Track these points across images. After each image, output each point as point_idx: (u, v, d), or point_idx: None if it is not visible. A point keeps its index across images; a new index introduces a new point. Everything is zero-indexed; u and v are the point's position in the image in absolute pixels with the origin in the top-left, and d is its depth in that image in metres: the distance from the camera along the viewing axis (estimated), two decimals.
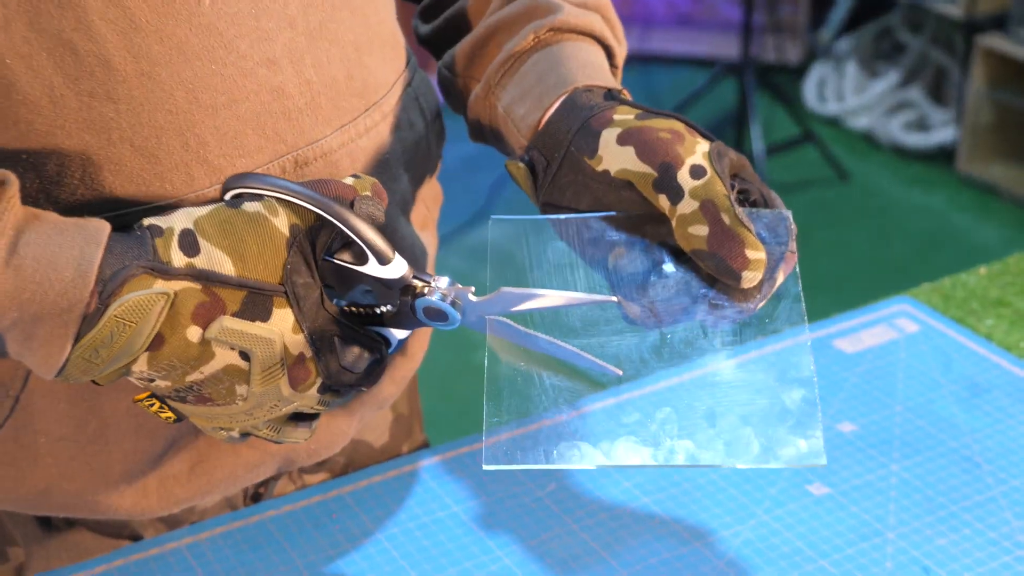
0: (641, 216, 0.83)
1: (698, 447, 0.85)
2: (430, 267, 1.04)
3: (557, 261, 0.86)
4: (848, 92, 4.02)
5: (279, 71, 0.83)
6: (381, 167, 0.90)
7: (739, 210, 0.79)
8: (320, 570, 0.92)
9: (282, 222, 0.76)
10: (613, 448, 0.85)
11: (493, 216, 0.86)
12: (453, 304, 0.80)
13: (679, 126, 0.83)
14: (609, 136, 0.83)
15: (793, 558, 0.93)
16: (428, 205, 1.04)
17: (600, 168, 0.83)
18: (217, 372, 0.76)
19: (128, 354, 0.74)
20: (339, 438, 0.97)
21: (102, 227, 0.73)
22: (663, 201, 0.80)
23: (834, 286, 3.14)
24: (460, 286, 0.81)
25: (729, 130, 3.85)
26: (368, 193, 0.79)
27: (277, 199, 0.77)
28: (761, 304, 0.82)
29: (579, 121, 0.84)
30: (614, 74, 0.96)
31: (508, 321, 0.82)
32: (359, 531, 0.96)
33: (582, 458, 0.84)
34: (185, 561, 0.93)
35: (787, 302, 0.85)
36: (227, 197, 0.79)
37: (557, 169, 0.85)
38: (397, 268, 0.79)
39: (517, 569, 0.92)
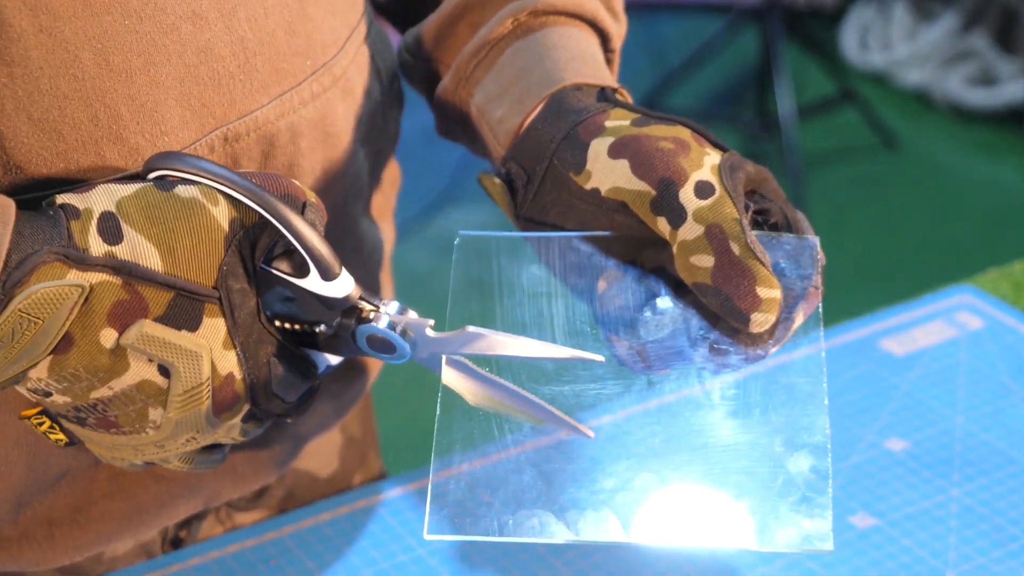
0: (637, 238, 0.83)
1: (680, 524, 0.86)
2: (386, 265, 1.05)
3: (533, 289, 0.87)
4: (896, 40, 4.04)
5: (206, 27, 0.83)
6: (330, 143, 0.91)
7: (752, 238, 0.79)
8: None
9: (221, 214, 0.77)
10: (580, 520, 0.87)
11: (461, 232, 0.87)
12: (403, 335, 0.81)
13: (684, 134, 0.83)
14: (599, 147, 0.83)
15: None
16: (385, 190, 1.04)
17: (588, 186, 0.83)
18: (129, 389, 0.76)
19: (30, 356, 0.74)
20: (269, 465, 0.98)
21: (7, 204, 0.74)
22: (662, 224, 0.81)
23: (882, 276, 3.15)
24: (414, 314, 0.82)
25: (750, 90, 3.87)
26: (313, 200, 0.80)
27: (214, 188, 0.77)
28: (773, 351, 0.82)
29: (564, 128, 0.85)
30: (610, 62, 0.96)
31: (467, 362, 0.83)
32: None
33: (541, 531, 0.85)
34: None
35: (805, 350, 0.86)
36: (148, 179, 0.79)
37: (539, 185, 0.86)
38: (343, 286, 0.80)
39: None
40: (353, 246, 0.97)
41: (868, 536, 1.00)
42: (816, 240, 0.84)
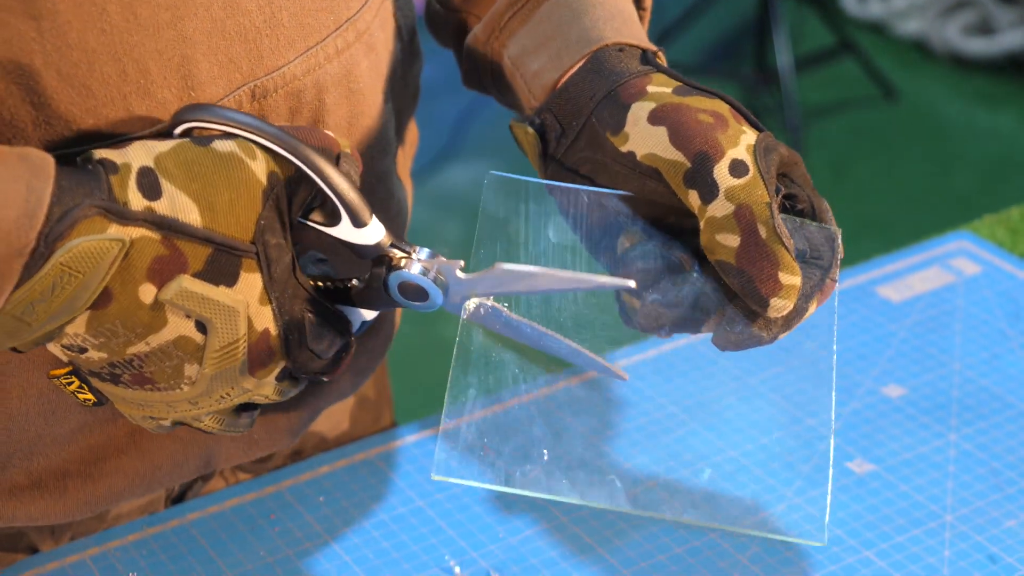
0: (665, 204, 0.84)
1: (681, 499, 0.87)
2: (408, 223, 1.05)
3: (559, 240, 0.87)
4: None
5: None
6: (355, 99, 0.91)
7: (779, 223, 0.80)
8: None
9: (259, 167, 0.77)
10: (586, 482, 0.87)
11: (491, 172, 0.86)
12: (435, 281, 0.81)
13: (723, 108, 0.83)
14: (640, 111, 0.83)
15: (831, 549, 0.94)
16: (406, 148, 1.04)
17: (624, 148, 0.83)
18: (166, 344, 0.77)
19: (68, 311, 0.74)
20: (284, 434, 0.98)
21: (46, 158, 0.73)
22: (693, 198, 0.81)
23: (881, 226, 3.15)
24: (444, 259, 0.82)
25: (748, 42, 3.86)
26: (348, 151, 0.80)
27: (250, 140, 0.78)
28: (781, 336, 0.82)
29: (605, 88, 0.85)
30: (641, 19, 0.96)
31: (497, 306, 0.83)
32: (303, 533, 0.97)
33: (547, 489, 0.86)
34: (89, 575, 0.94)
35: (815, 338, 0.86)
36: (176, 132, 0.79)
37: (573, 140, 0.86)
38: (374, 233, 0.80)
39: (495, 573, 0.93)
40: (381, 201, 0.97)
41: (866, 482, 1.00)
42: (839, 231, 0.84)
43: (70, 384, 0.80)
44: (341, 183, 0.78)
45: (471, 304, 0.82)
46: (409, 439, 1.06)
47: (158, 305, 0.75)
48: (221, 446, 0.96)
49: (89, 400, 0.80)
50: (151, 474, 0.93)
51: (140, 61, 0.79)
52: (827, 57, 3.74)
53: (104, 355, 0.77)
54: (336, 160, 0.79)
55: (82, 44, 0.78)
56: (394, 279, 0.81)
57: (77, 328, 0.75)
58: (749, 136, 0.82)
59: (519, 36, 0.92)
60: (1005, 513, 0.97)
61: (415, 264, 0.81)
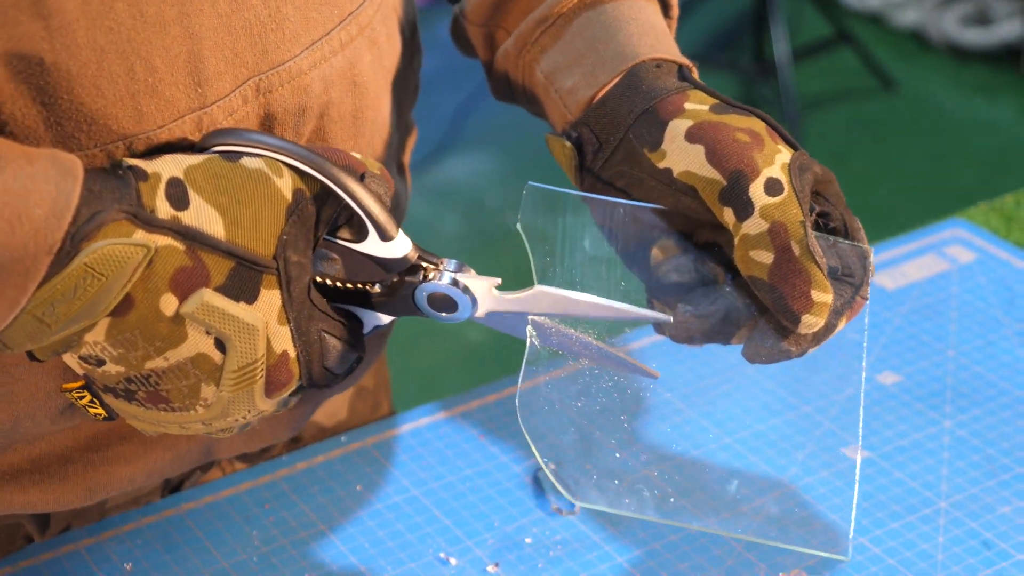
0: (699, 220, 0.85)
1: (705, 508, 0.88)
2: (406, 216, 1.05)
3: (595, 252, 0.88)
4: None
5: None
6: (358, 93, 0.91)
7: (813, 241, 0.81)
8: (251, 571, 0.93)
9: (285, 184, 0.78)
10: (613, 490, 0.88)
11: (530, 183, 0.88)
12: (465, 292, 0.82)
13: (759, 127, 0.84)
14: (677, 129, 0.84)
15: (827, 534, 0.94)
16: (405, 142, 1.04)
17: (662, 165, 0.84)
18: (184, 362, 0.77)
19: (89, 315, 0.74)
20: (286, 426, 0.98)
21: (74, 160, 0.74)
22: (728, 215, 0.83)
23: (879, 217, 3.13)
24: (474, 272, 0.83)
25: (746, 32, 3.85)
26: (377, 172, 0.82)
27: (277, 159, 0.79)
28: (810, 350, 0.84)
29: (643, 104, 0.86)
30: (670, 28, 0.96)
31: (547, 321, 0.84)
32: (298, 523, 0.97)
33: (575, 492, 0.90)
34: (84, 566, 0.94)
35: (845, 354, 0.87)
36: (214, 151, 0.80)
37: (610, 155, 0.87)
38: (401, 247, 0.81)
39: (489, 560, 0.93)
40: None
41: (861, 468, 0.99)
42: (871, 250, 0.86)
43: (82, 398, 0.80)
44: (366, 198, 0.79)
45: (531, 326, 0.85)
46: (406, 428, 1.06)
47: (178, 319, 0.75)
48: (215, 441, 0.96)
49: (100, 415, 0.81)
50: (152, 462, 0.93)
51: (147, 59, 0.79)
52: (825, 48, 3.74)
53: (121, 368, 0.77)
54: (361, 178, 0.80)
55: (90, 42, 0.77)
56: (423, 290, 0.82)
57: (96, 336, 0.75)
58: (784, 155, 0.83)
59: (551, 53, 0.92)
60: (999, 499, 0.97)
61: (445, 275, 0.82)
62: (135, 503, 1.01)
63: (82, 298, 0.73)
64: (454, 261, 0.83)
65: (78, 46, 0.77)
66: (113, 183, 0.74)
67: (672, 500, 0.94)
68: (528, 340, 0.85)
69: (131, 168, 0.76)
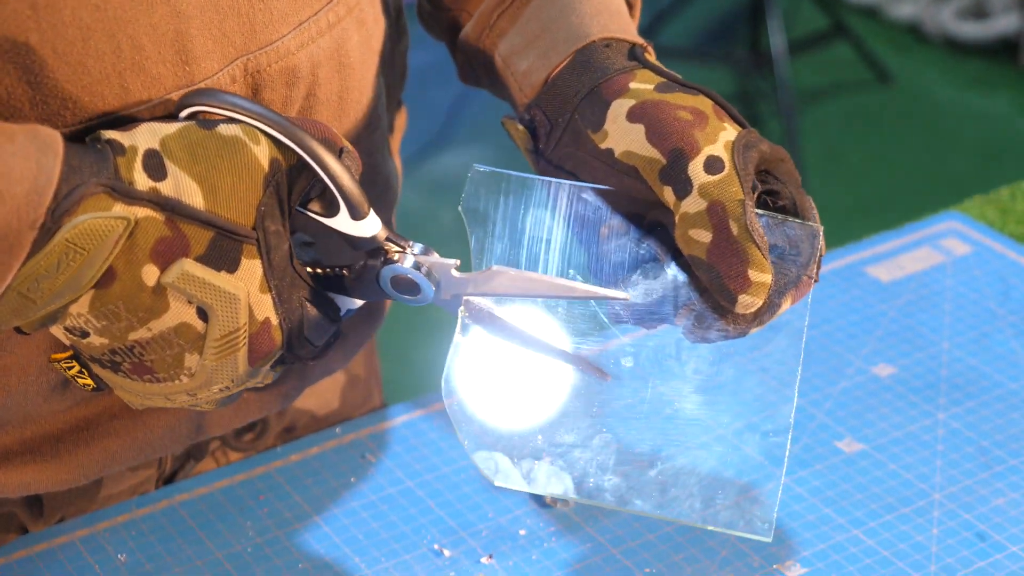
0: (645, 201, 0.84)
1: (630, 489, 0.87)
2: (396, 201, 1.05)
3: (533, 233, 0.87)
4: None
5: None
6: (345, 74, 0.91)
7: (752, 219, 0.80)
8: (245, 562, 0.93)
9: (262, 153, 0.78)
10: (535, 470, 0.87)
11: (475, 165, 0.87)
12: (427, 276, 0.82)
13: (705, 105, 0.84)
14: (619, 108, 0.84)
15: (820, 527, 0.94)
16: (394, 128, 1.04)
17: (604, 145, 0.84)
18: (167, 331, 0.77)
19: (73, 289, 0.75)
20: (276, 399, 0.98)
21: (54, 135, 0.74)
22: (668, 194, 0.82)
23: (875, 210, 3.15)
24: (437, 255, 0.83)
25: (741, 25, 3.85)
26: (351, 149, 0.81)
27: (254, 126, 0.78)
28: (752, 331, 0.83)
29: (588, 85, 0.86)
30: (631, 7, 0.96)
31: (492, 308, 0.84)
32: (292, 514, 0.97)
33: (495, 473, 0.87)
34: (78, 557, 0.94)
35: (786, 336, 0.86)
36: (182, 115, 0.80)
37: (560, 137, 0.87)
38: (371, 226, 0.81)
39: (483, 552, 0.93)
40: (370, 179, 0.97)
41: (855, 460, 1.00)
42: (820, 229, 0.84)
43: (70, 368, 0.80)
44: (342, 174, 0.79)
45: (464, 306, 0.83)
46: (398, 420, 1.06)
47: (160, 288, 0.76)
48: (213, 411, 0.96)
49: (89, 385, 0.81)
50: (144, 438, 0.93)
51: (134, 37, 0.79)
52: (821, 41, 3.73)
53: (106, 340, 0.77)
54: (340, 152, 0.80)
55: (76, 21, 0.78)
56: (387, 272, 0.82)
57: (80, 308, 0.76)
58: (729, 133, 0.82)
59: (509, 36, 0.92)
60: (994, 491, 0.97)
61: (408, 258, 0.82)
62: (129, 493, 1.01)
63: (65, 272, 0.74)
64: (420, 245, 0.82)
65: (64, 24, 0.77)
66: (91, 157, 0.75)
67: (592, 481, 0.93)
68: (459, 319, 0.84)
69: (108, 141, 0.76)
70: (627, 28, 0.90)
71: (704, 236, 0.80)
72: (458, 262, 0.83)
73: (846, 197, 3.22)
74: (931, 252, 1.22)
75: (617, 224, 0.86)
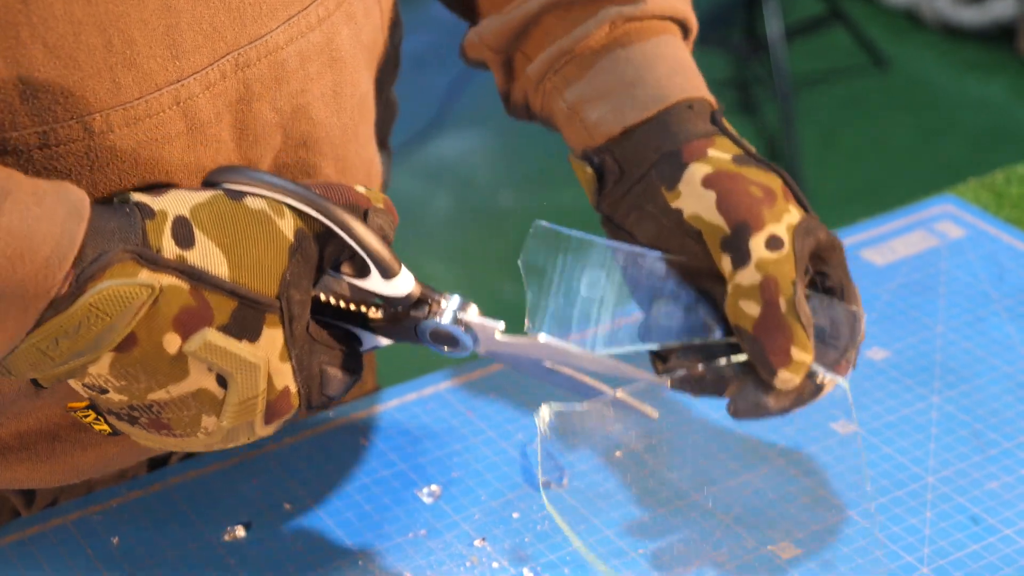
0: (701, 268, 0.88)
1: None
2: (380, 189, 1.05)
3: (589, 294, 0.90)
4: None
5: None
6: (337, 68, 0.91)
7: (801, 300, 0.84)
8: (238, 545, 0.93)
9: (287, 225, 0.79)
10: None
11: (538, 221, 0.90)
12: (467, 331, 0.83)
13: (776, 184, 0.87)
14: (696, 172, 0.88)
15: (815, 509, 0.94)
16: (386, 118, 1.04)
17: (674, 205, 0.88)
18: (186, 395, 0.78)
19: (92, 351, 0.75)
20: None
21: (83, 198, 0.75)
22: (726, 262, 0.85)
23: (871, 195, 3.15)
24: (477, 311, 0.84)
25: (738, 11, 3.85)
26: (381, 206, 0.82)
27: (280, 200, 0.79)
28: (793, 410, 0.86)
29: (671, 145, 0.89)
30: (688, 47, 0.99)
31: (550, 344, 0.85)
32: (285, 497, 0.97)
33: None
34: (72, 540, 0.94)
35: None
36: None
37: (631, 186, 0.90)
38: (403, 284, 0.82)
39: (476, 534, 0.94)
40: (363, 171, 0.97)
41: (849, 443, 1.00)
42: (863, 315, 0.88)
43: (86, 417, 0.81)
44: (368, 237, 0.80)
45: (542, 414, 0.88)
46: (393, 403, 1.06)
47: (181, 356, 0.76)
48: None
49: (105, 431, 0.82)
50: (141, 446, 0.93)
51: (125, 31, 0.79)
52: (817, 26, 3.73)
53: (124, 398, 0.78)
54: (364, 215, 0.81)
55: (68, 15, 0.77)
56: (426, 326, 0.83)
57: (100, 368, 0.76)
58: (793, 216, 0.86)
59: (577, 84, 0.94)
60: (987, 475, 0.97)
61: (448, 313, 0.83)
62: (122, 477, 1.01)
63: (86, 335, 0.74)
64: (457, 297, 0.84)
65: (55, 18, 0.77)
66: (119, 221, 0.75)
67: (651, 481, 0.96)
68: (539, 429, 0.88)
69: (138, 205, 0.77)
70: (701, 85, 0.93)
71: (753, 309, 0.84)
72: (502, 325, 0.84)
73: (842, 182, 3.22)
74: (926, 236, 1.22)
75: (670, 290, 0.89)
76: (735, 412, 0.86)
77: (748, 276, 0.84)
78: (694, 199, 0.87)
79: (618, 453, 0.95)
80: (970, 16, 3.83)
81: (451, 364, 1.09)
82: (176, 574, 0.91)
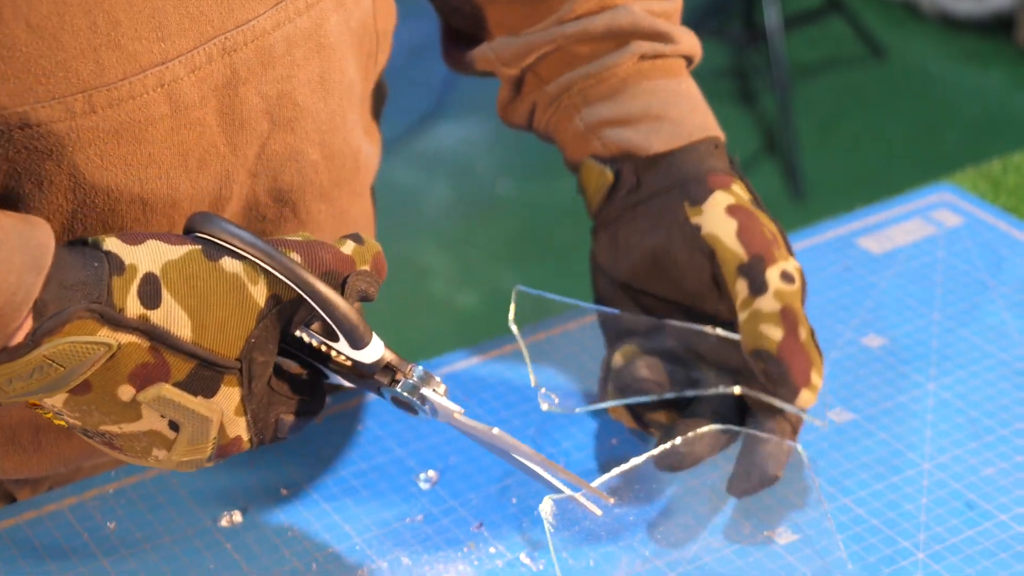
0: (693, 290, 0.95)
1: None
2: (372, 180, 1.05)
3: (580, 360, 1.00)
4: None
5: None
6: (324, 54, 0.90)
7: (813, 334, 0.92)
8: (235, 531, 0.93)
9: (260, 292, 0.79)
10: None
11: (518, 286, 0.96)
12: (423, 403, 0.84)
13: (777, 232, 0.95)
14: (721, 199, 0.94)
15: (812, 495, 0.94)
16: (375, 105, 1.04)
17: (695, 220, 0.94)
18: (138, 433, 0.79)
19: (46, 392, 0.76)
20: None
21: (46, 243, 0.74)
22: (740, 286, 0.92)
23: (868, 185, 3.15)
24: (441, 388, 0.85)
25: (736, 1, 3.84)
26: (367, 267, 0.82)
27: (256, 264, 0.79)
28: (788, 456, 0.91)
29: (696, 170, 0.96)
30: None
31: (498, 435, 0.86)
32: (282, 482, 0.97)
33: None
34: (68, 525, 0.94)
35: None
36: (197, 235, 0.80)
37: (648, 197, 0.96)
38: (372, 353, 0.83)
39: (473, 520, 0.94)
40: (351, 158, 0.97)
41: (845, 430, 1.00)
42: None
43: (47, 413, 0.81)
44: (342, 309, 0.80)
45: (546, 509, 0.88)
46: None
47: (135, 403, 0.77)
48: None
49: (64, 425, 0.82)
50: None
51: (110, 12, 0.79)
52: (815, 16, 3.73)
53: (78, 424, 0.79)
54: (343, 282, 0.81)
55: None
56: (387, 391, 0.84)
57: (55, 402, 0.77)
58: (792, 262, 0.94)
59: (598, 106, 1.00)
60: (983, 461, 0.97)
61: (410, 384, 0.84)
62: (117, 461, 1.01)
63: (39, 381, 0.75)
64: (420, 368, 0.84)
65: None
66: (85, 274, 0.75)
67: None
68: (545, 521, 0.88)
69: (108, 254, 0.76)
70: (719, 129, 1.00)
71: (776, 333, 0.90)
72: (462, 410, 0.85)
73: (839, 171, 3.23)
74: (922, 224, 1.22)
75: (636, 348, 0.95)
76: (738, 493, 0.91)
77: (768, 303, 0.90)
78: (715, 221, 0.93)
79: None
80: (968, 7, 3.82)
81: (447, 352, 1.09)
82: (172, 559, 0.91)
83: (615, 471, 0.93)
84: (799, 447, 0.93)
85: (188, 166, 0.85)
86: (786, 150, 3.23)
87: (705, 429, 0.92)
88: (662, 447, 0.92)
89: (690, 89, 1.01)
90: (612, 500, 0.90)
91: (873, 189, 3.02)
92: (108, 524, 0.94)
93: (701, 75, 1.06)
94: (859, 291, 1.14)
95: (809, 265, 1.13)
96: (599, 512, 0.87)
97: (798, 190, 3.16)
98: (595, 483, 0.91)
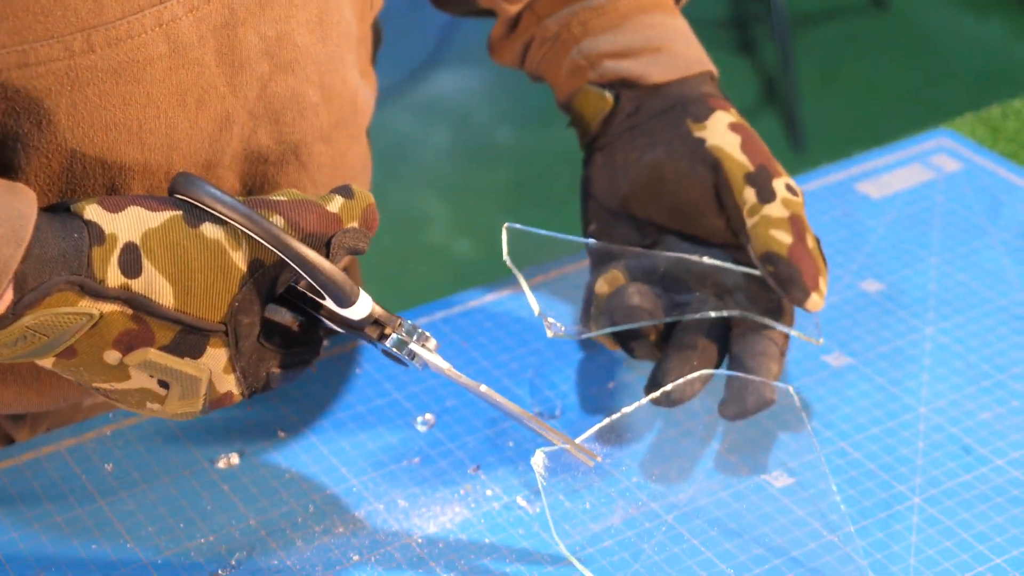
0: (689, 208, 0.97)
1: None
2: (368, 122, 1.05)
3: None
4: None
5: None
6: None
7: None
8: (232, 472, 0.93)
9: (242, 257, 0.78)
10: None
11: (508, 224, 0.95)
12: (412, 357, 0.84)
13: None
14: (723, 117, 0.97)
15: (809, 439, 0.94)
16: (368, 44, 1.03)
17: (698, 134, 0.96)
18: (129, 390, 0.79)
19: (32, 357, 0.76)
20: None
21: (27, 214, 0.74)
22: (748, 194, 0.94)
23: (868, 133, 3.13)
24: (427, 336, 0.84)
25: None
26: (355, 224, 0.81)
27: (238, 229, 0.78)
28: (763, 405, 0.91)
29: (700, 94, 0.98)
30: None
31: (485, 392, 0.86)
32: (280, 425, 0.97)
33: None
34: (65, 466, 0.94)
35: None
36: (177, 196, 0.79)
37: (648, 119, 0.98)
38: (360, 310, 0.82)
39: (470, 462, 0.94)
40: (349, 100, 0.96)
41: (842, 374, 1.00)
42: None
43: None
44: (325, 270, 0.79)
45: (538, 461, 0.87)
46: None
47: (122, 365, 0.77)
48: None
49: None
50: None
51: None
52: None
53: (71, 378, 0.79)
54: (328, 243, 0.80)
55: None
56: (377, 344, 0.84)
57: (45, 363, 0.78)
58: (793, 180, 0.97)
59: (599, 38, 1.02)
60: (980, 405, 0.97)
61: (398, 339, 0.83)
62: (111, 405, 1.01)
63: (23, 348, 0.75)
64: (409, 323, 0.84)
65: None
66: (64, 246, 0.75)
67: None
68: (539, 481, 0.87)
69: (88, 224, 0.76)
70: (711, 64, 1.02)
71: (786, 238, 0.92)
72: (450, 367, 0.84)
73: (840, 120, 3.21)
74: (921, 169, 1.21)
75: (620, 274, 0.96)
76: (733, 416, 0.91)
77: (777, 209, 0.92)
78: (719, 135, 0.95)
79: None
80: None
81: (444, 296, 1.09)
82: (170, 500, 0.91)
83: (606, 421, 0.92)
84: (792, 389, 0.93)
85: (187, 107, 0.85)
86: (786, 100, 3.22)
87: (695, 375, 0.92)
88: (651, 396, 0.92)
89: (684, 26, 1.04)
90: (600, 458, 0.89)
91: (873, 138, 3.01)
92: (106, 466, 0.94)
93: (701, 24, 1.07)
94: (857, 236, 1.14)
95: (808, 210, 1.12)
96: (590, 463, 0.87)
97: (798, 140, 3.15)
98: (589, 432, 0.91)
